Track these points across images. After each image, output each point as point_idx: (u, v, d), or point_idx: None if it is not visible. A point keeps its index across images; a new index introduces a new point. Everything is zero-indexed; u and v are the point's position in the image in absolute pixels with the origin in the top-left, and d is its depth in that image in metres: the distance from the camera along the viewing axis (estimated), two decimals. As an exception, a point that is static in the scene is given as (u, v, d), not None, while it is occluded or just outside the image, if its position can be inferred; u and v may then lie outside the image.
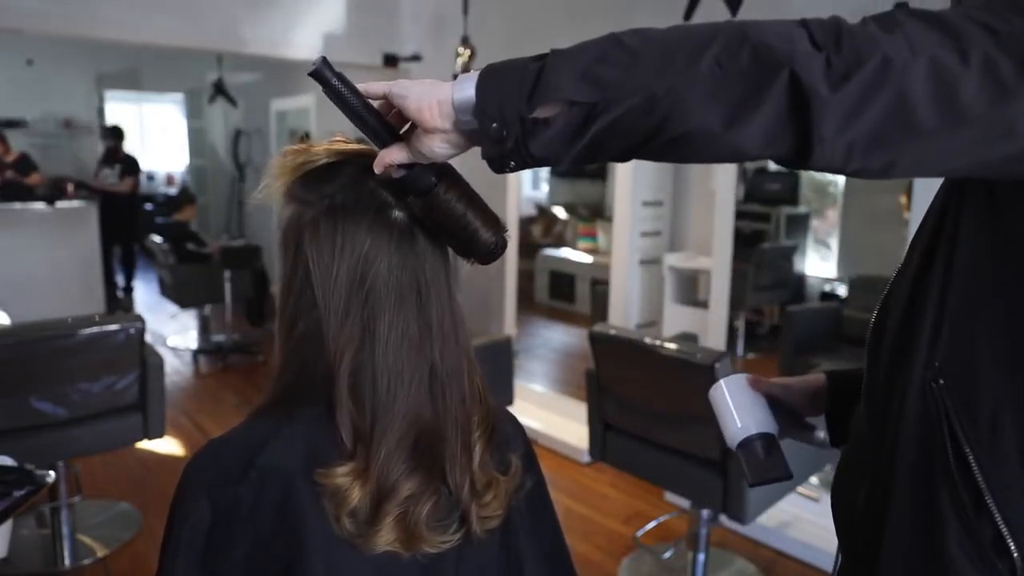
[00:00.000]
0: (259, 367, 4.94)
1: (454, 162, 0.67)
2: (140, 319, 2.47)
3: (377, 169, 0.64)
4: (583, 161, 0.56)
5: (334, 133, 0.74)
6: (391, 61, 4.81)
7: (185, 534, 0.66)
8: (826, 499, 2.23)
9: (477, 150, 0.60)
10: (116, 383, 2.44)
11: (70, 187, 5.91)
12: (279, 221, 0.73)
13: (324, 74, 0.60)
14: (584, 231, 5.12)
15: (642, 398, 2.28)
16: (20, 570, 2.56)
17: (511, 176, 4.08)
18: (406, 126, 0.65)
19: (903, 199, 2.97)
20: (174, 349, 5.31)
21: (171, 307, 5.50)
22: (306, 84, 6.72)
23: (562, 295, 5.08)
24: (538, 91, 0.54)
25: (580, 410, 3.12)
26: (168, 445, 3.56)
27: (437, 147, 0.60)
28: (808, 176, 3.79)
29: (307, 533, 0.65)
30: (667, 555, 2.73)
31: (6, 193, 5.47)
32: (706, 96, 0.50)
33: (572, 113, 0.53)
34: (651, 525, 2.86)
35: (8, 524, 1.36)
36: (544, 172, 5.57)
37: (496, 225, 0.68)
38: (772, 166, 3.78)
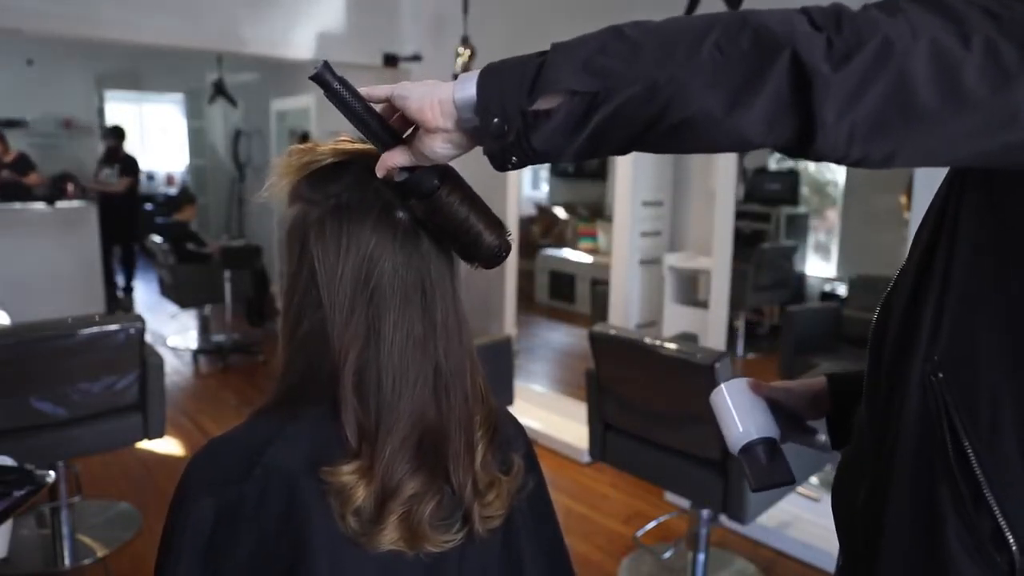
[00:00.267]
0: (259, 367, 4.95)
1: (456, 165, 0.67)
2: (140, 319, 2.47)
3: (379, 173, 0.64)
4: (585, 154, 0.56)
5: (337, 133, 0.75)
6: (391, 61, 4.81)
7: (187, 533, 0.65)
8: (826, 499, 2.23)
9: (478, 151, 0.60)
10: (116, 383, 2.44)
11: (70, 187, 5.91)
12: (283, 220, 0.74)
13: (325, 78, 0.60)
14: (584, 231, 5.13)
15: (642, 398, 2.28)
16: (20, 570, 2.56)
17: (511, 176, 4.08)
18: (409, 130, 0.65)
19: (903, 199, 2.97)
20: (174, 349, 5.31)
21: (171, 307, 5.50)
22: (306, 84, 6.67)
23: (562, 295, 5.08)
24: (539, 84, 0.54)
25: (580, 410, 3.12)
26: (168, 445, 3.56)
27: (439, 147, 0.60)
28: (808, 176, 3.78)
29: (312, 532, 0.65)
30: (667, 555, 2.73)
31: (4, 193, 5.47)
32: (707, 81, 0.50)
33: (573, 103, 0.53)
34: (651, 525, 2.86)
35: (8, 524, 1.36)
36: (544, 172, 5.57)
37: (499, 228, 0.68)
38: (772, 165, 3.79)
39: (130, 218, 6.65)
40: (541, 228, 5.33)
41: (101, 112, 8.44)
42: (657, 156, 3.71)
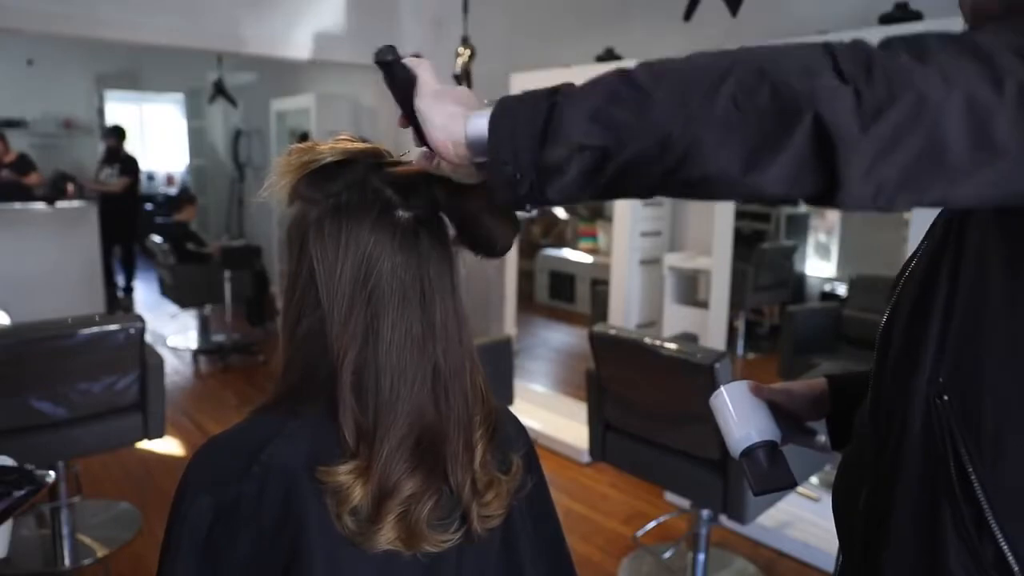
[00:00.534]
0: (259, 367, 4.94)
1: None
2: (140, 319, 2.47)
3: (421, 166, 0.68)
4: (604, 199, 0.56)
5: (337, 132, 0.74)
6: (391, 61, 4.80)
7: (185, 531, 0.66)
8: (826, 499, 2.23)
9: None
10: (116, 383, 2.44)
11: (70, 187, 5.91)
12: (284, 220, 0.74)
13: (391, 67, 0.61)
14: (584, 231, 5.12)
15: (642, 398, 2.28)
16: (20, 570, 2.56)
17: (511, 176, 4.05)
18: None
19: (903, 199, 2.97)
20: (174, 349, 5.31)
21: (171, 307, 5.50)
22: (306, 84, 6.72)
23: (562, 295, 5.08)
24: (549, 135, 0.52)
25: (580, 410, 3.12)
26: (168, 445, 3.56)
27: (456, 175, 0.62)
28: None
29: (309, 531, 0.65)
30: (667, 555, 2.73)
31: (3, 193, 5.46)
32: (722, 139, 0.48)
33: (584, 157, 0.51)
34: (651, 525, 2.86)
35: (8, 524, 1.36)
36: (544, 172, 5.57)
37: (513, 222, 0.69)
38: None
39: (130, 218, 6.65)
40: (541, 228, 5.32)
41: (101, 112, 8.44)
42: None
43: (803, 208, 3.79)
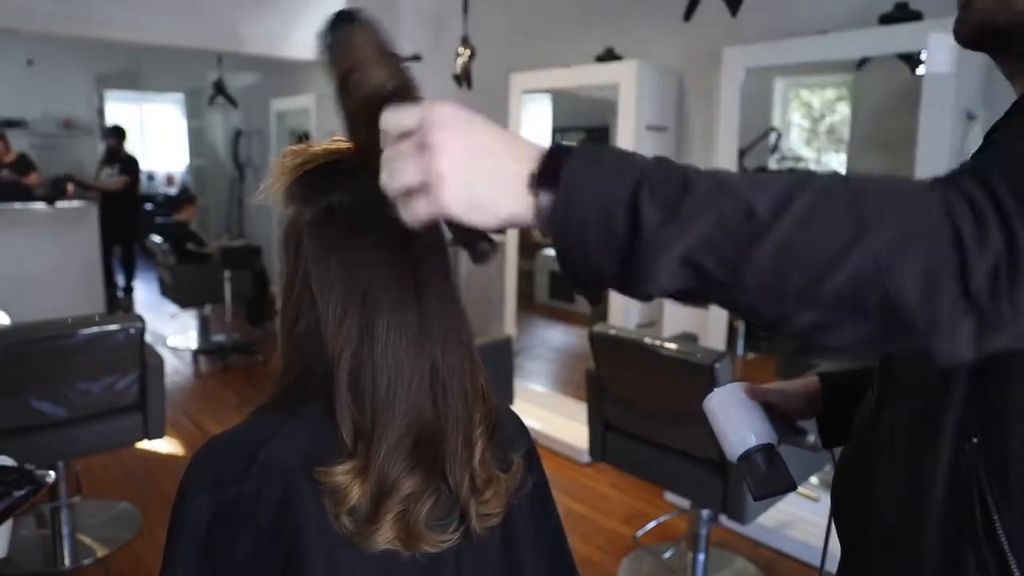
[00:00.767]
0: (259, 367, 4.94)
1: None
2: (140, 319, 2.47)
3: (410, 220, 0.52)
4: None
5: (334, 133, 0.74)
6: (391, 61, 4.79)
7: (185, 531, 0.66)
8: (826, 499, 2.23)
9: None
10: (116, 383, 2.44)
11: (70, 187, 5.91)
12: (281, 221, 0.74)
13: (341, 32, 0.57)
14: (584, 231, 5.11)
15: (642, 398, 2.28)
16: (20, 570, 2.56)
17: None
18: None
19: (903, 199, 2.97)
20: (174, 349, 5.31)
21: (171, 307, 5.50)
22: (306, 84, 6.72)
23: (562, 295, 5.08)
24: (631, 270, 0.46)
25: (580, 410, 3.12)
26: (168, 445, 3.56)
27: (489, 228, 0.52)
28: (808, 176, 3.79)
29: (308, 530, 0.65)
30: (667, 555, 2.73)
31: (3, 193, 5.47)
32: (821, 323, 0.45)
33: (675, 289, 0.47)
34: (651, 525, 2.86)
35: (8, 524, 1.36)
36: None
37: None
38: (772, 165, 3.79)
39: (130, 218, 6.65)
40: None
41: (101, 112, 8.45)
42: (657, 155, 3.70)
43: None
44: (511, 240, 4.25)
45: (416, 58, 4.80)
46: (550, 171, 0.47)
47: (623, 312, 3.63)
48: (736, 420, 0.82)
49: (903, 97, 2.81)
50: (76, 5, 3.82)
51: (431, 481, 0.69)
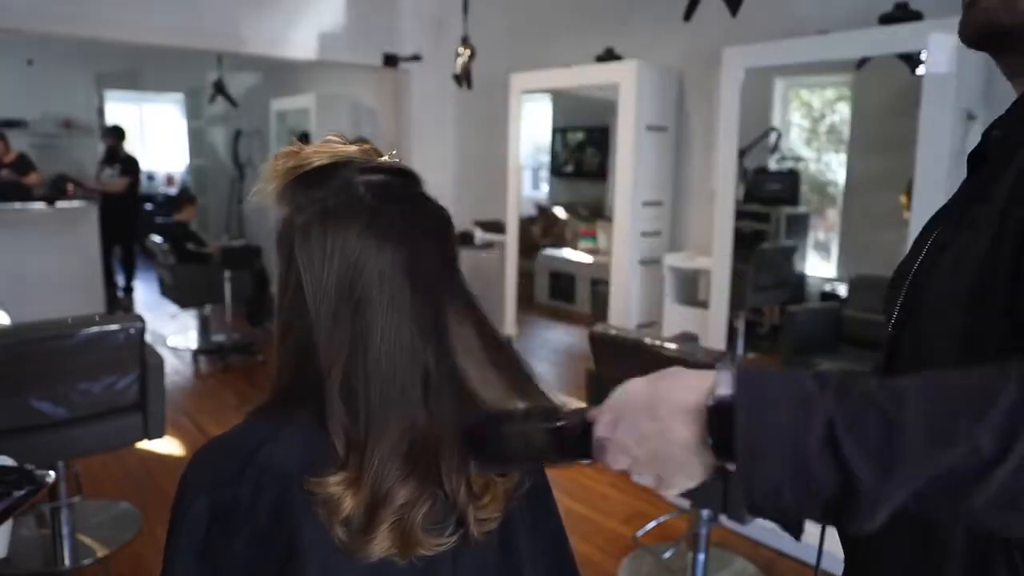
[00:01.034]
0: (259, 367, 4.94)
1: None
2: (140, 319, 2.47)
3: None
4: None
5: (330, 133, 0.74)
6: (391, 61, 4.80)
7: (183, 532, 0.66)
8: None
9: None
10: (116, 383, 2.44)
11: (70, 187, 5.92)
12: (275, 224, 0.73)
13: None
14: (584, 231, 5.12)
15: (642, 398, 2.27)
16: (20, 570, 2.56)
17: (511, 176, 4.08)
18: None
19: (903, 199, 2.97)
20: (174, 349, 5.31)
21: (171, 307, 5.50)
22: (306, 84, 6.73)
23: (562, 295, 5.08)
24: (845, 518, 0.46)
25: (580, 410, 3.11)
26: (168, 445, 3.56)
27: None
28: (808, 176, 3.79)
29: (303, 535, 0.64)
30: (667, 555, 2.73)
31: (4, 193, 5.47)
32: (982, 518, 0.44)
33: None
34: (651, 525, 2.86)
35: (8, 524, 1.36)
36: (544, 172, 5.57)
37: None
38: (772, 165, 3.79)
39: (130, 218, 6.65)
40: (541, 228, 5.32)
41: (101, 112, 8.44)
42: (657, 155, 3.71)
43: (803, 208, 3.79)
44: (511, 240, 4.25)
45: (416, 58, 4.80)
46: (724, 428, 0.47)
47: (623, 312, 3.63)
48: None
49: (903, 97, 2.81)
50: (76, 5, 3.81)
51: (426, 488, 0.68)
